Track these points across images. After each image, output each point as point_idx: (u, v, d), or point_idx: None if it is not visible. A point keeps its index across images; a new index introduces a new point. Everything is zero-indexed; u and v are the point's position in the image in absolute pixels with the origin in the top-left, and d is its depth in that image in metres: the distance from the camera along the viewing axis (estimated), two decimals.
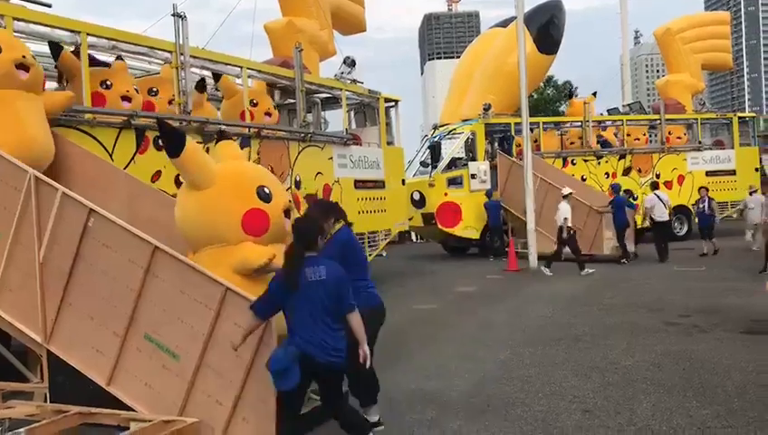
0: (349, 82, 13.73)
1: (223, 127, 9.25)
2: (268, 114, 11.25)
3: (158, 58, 9.82)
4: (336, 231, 5.27)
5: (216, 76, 10.85)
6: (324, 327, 4.28)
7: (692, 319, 9.27)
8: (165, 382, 5.30)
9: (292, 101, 12.64)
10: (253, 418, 4.67)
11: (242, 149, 10.04)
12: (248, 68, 11.05)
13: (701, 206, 17.39)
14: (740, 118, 24.34)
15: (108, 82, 8.54)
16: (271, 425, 4.78)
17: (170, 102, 9.43)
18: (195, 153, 5.23)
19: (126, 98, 8.60)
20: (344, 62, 13.81)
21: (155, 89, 9.56)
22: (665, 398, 5.80)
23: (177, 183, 9.05)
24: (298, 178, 11.65)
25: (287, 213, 5.37)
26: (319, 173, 12.34)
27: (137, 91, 8.90)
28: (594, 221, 16.92)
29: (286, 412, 4.43)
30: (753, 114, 29.24)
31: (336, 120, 14.27)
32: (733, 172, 23.01)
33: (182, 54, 9.31)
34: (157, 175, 8.74)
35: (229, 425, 4.98)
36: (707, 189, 17.86)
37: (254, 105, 10.96)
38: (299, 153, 11.82)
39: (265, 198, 5.28)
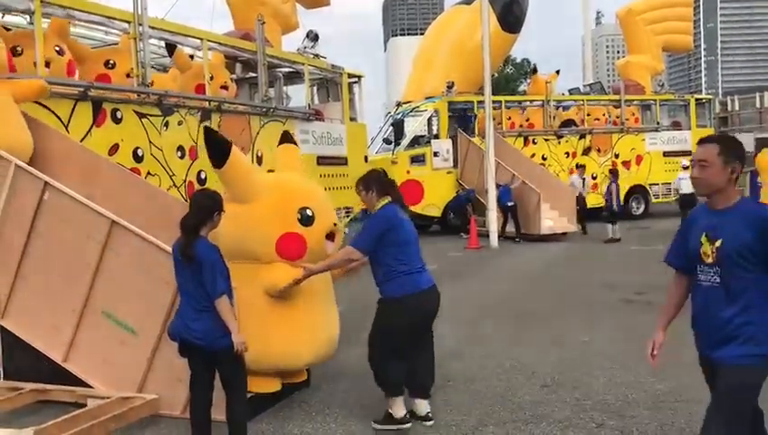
0: (311, 56, 13.59)
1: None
2: (224, 87, 11.08)
3: (115, 28, 9.56)
4: (381, 207, 4.85)
5: (170, 48, 10.62)
6: (188, 308, 4.14)
7: (647, 296, 9.47)
8: (123, 359, 5.24)
9: (253, 75, 12.46)
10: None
11: (201, 123, 10.04)
12: (209, 40, 10.84)
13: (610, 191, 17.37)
14: (697, 100, 24.82)
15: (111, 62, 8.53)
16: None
17: (128, 75, 9.20)
18: (238, 165, 4.85)
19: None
20: (307, 36, 13.65)
21: (112, 61, 9.31)
22: (620, 373, 5.94)
23: (136, 157, 8.90)
24: (259, 154, 11.52)
25: (331, 236, 5.10)
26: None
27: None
28: (534, 201, 17.22)
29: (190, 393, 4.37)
30: (710, 96, 29.86)
31: (298, 95, 14.13)
32: (689, 153, 23.46)
33: (140, 25, 9.07)
34: (114, 148, 8.56)
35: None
36: (616, 174, 17.82)
37: (210, 79, 10.77)
38: (260, 128, 11.68)
39: (306, 221, 4.95)
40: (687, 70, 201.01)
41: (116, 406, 4.94)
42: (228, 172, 4.78)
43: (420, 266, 4.84)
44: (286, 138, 6.06)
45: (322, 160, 13.51)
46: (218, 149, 4.71)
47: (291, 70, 13.56)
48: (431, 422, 4.88)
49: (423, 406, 4.95)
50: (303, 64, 13.20)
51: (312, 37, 13.56)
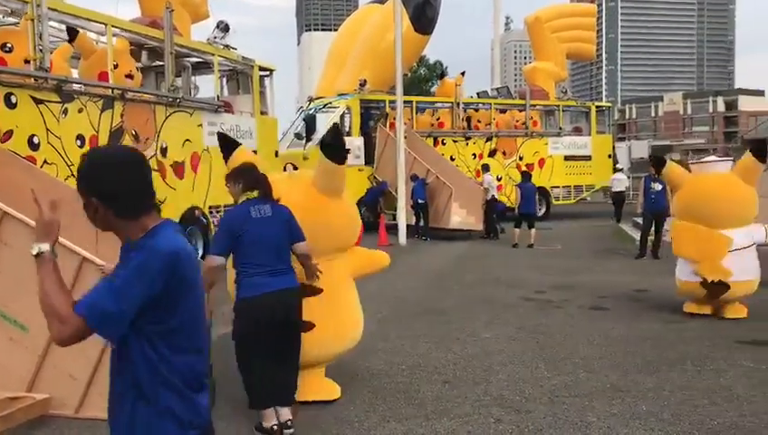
0: (222, 47, 13.30)
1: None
2: (129, 76, 10.70)
3: (8, 7, 9.04)
4: (240, 203, 4.67)
5: (72, 33, 10.15)
6: None
7: (546, 295, 9.85)
8: (12, 357, 4.99)
9: (160, 63, 12.08)
10: None
11: (103, 111, 9.66)
12: (113, 26, 10.41)
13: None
14: (597, 107, 25.96)
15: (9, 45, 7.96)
16: None
17: (27, 61, 8.71)
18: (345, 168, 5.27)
19: None
20: (217, 26, 13.35)
21: (9, 44, 8.80)
22: (519, 369, 6.14)
23: (32, 145, 8.46)
24: (164, 145, 11.19)
25: None
26: (187, 140, 11.91)
27: None
28: (445, 196, 17.57)
29: None
30: (609, 104, 31.27)
31: (207, 86, 13.80)
32: (589, 158, 24.52)
33: (38, 6, 8.62)
34: (7, 135, 8.11)
35: (84, 401, 4.78)
36: (529, 174, 17.78)
37: (115, 66, 10.37)
38: (166, 118, 11.33)
39: None
40: (589, 78, 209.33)
41: (3, 406, 4.70)
42: (341, 169, 5.17)
43: (273, 268, 4.52)
44: (226, 140, 5.65)
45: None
46: (343, 149, 5.13)
47: (200, 60, 13.23)
48: (291, 431, 4.61)
49: (283, 413, 4.67)
50: (213, 55, 12.90)
51: (223, 28, 13.28)
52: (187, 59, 12.97)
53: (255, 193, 4.63)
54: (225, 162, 5.22)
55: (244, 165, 4.88)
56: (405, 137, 17.52)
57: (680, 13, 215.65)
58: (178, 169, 11.59)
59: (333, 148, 5.10)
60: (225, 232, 4.55)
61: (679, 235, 8.30)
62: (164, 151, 11.14)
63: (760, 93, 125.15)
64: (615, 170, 23.38)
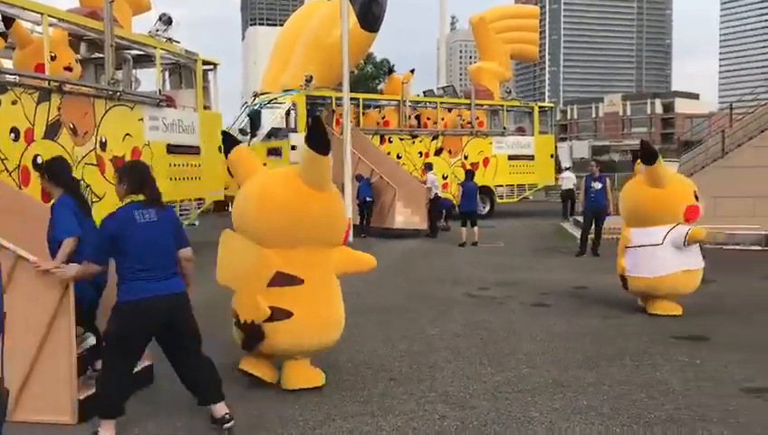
0: (164, 40, 13.02)
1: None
2: (68, 69, 10.37)
3: None
4: (120, 207, 4.52)
5: (7, 21, 9.78)
6: None
7: (490, 292, 9.98)
8: None
9: (100, 55, 11.75)
10: (46, 386, 4.44)
11: (39, 104, 9.33)
12: (50, 15, 10.07)
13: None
14: (540, 108, 26.42)
15: None
16: (66, 395, 4.60)
17: None
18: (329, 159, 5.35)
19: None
20: (160, 18, 13.05)
21: None
22: (463, 365, 6.20)
23: None
24: (104, 139, 10.88)
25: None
26: (127, 135, 11.61)
27: None
28: (389, 196, 17.64)
29: None
30: (552, 105, 31.89)
31: (149, 80, 13.51)
32: (532, 157, 24.93)
33: None
34: None
35: (20, 395, 4.65)
36: (472, 173, 17.78)
37: (53, 58, 10.03)
38: (105, 112, 11.02)
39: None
40: (533, 79, 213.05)
41: None
42: (325, 160, 5.24)
43: (155, 274, 4.39)
44: (227, 137, 6.29)
45: (173, 149, 12.98)
46: (326, 139, 5.17)
47: (141, 53, 12.93)
48: (230, 424, 4.60)
49: (218, 409, 4.64)
50: (155, 48, 12.62)
51: (166, 21, 12.99)
52: (128, 51, 12.67)
53: (141, 197, 4.48)
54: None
55: (133, 163, 4.87)
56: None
57: (620, 16, 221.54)
58: (118, 163, 11.29)
59: (316, 138, 5.15)
60: (106, 237, 4.37)
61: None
62: (103, 146, 10.84)
63: (695, 96, 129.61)
64: (564, 169, 24.02)
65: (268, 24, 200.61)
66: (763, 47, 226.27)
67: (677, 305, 8.28)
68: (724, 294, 9.18)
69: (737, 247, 14.55)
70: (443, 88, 26.39)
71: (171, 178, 12.92)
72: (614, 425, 4.75)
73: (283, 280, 5.19)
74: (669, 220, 8.12)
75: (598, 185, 13.97)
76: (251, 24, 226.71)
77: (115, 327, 4.42)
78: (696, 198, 8.27)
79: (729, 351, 6.65)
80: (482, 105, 24.27)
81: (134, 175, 4.58)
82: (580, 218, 15.28)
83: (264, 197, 5.37)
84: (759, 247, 14.91)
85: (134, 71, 13.38)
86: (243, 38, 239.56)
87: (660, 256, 8.09)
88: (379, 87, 41.08)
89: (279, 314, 5.18)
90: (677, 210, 8.14)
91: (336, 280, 5.63)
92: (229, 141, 5.96)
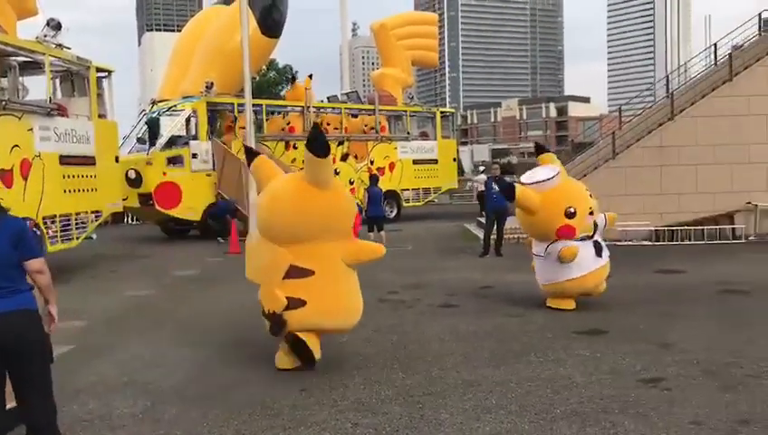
0: (53, 46, 12.41)
1: None
2: None
3: None
4: None
5: None
6: None
7: (399, 295, 10.06)
8: None
9: None
10: None
11: None
12: None
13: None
14: (442, 113, 26.92)
15: None
16: None
17: None
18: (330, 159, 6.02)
19: None
20: (48, 23, 12.44)
21: None
22: (375, 371, 6.20)
23: None
24: None
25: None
26: (16, 146, 11.00)
27: None
28: None
29: None
30: (453, 110, 32.59)
31: (39, 88, 12.82)
32: (435, 161, 25.36)
33: None
34: None
35: None
36: (377, 179, 17.46)
37: None
38: None
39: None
40: (434, 84, 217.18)
41: None
42: (325, 162, 5.83)
43: None
44: (249, 150, 7.01)
45: (66, 160, 12.41)
46: (325, 142, 5.82)
47: (29, 59, 12.27)
48: None
49: None
50: (44, 54, 12.02)
51: (54, 26, 12.38)
52: (14, 58, 12.00)
53: None
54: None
55: None
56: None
57: (514, 23, 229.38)
58: (6, 177, 10.68)
59: (316, 142, 5.76)
60: None
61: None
62: None
63: (586, 100, 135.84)
64: (479, 172, 24.91)
65: (165, 30, 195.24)
66: (646, 52, 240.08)
67: (571, 301, 8.70)
68: (620, 288, 9.63)
69: (630, 243, 15.32)
70: (347, 94, 26.44)
71: (65, 191, 12.35)
72: (522, 422, 4.88)
73: (296, 272, 5.89)
74: (548, 239, 8.62)
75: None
76: (147, 30, 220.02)
77: None
78: (571, 215, 8.40)
79: (625, 343, 6.98)
80: (386, 111, 24.47)
81: None
82: (483, 220, 15.65)
83: (274, 198, 6.06)
84: (649, 242, 15.75)
85: (21, 78, 12.69)
86: (139, 44, 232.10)
87: (550, 263, 8.63)
88: (282, 93, 40.71)
89: (294, 303, 5.89)
90: (550, 233, 8.56)
91: (347, 269, 6.13)
92: (251, 153, 6.67)
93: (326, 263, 5.98)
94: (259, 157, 6.46)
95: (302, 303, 5.88)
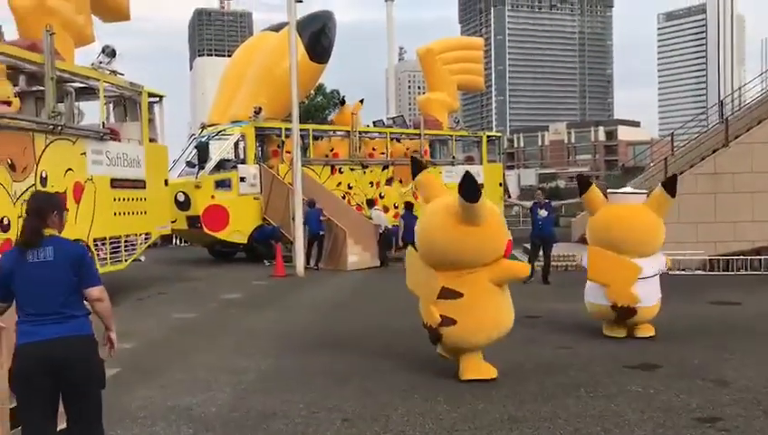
0: (107, 72, 12.75)
1: None
2: (6, 103, 10.04)
3: None
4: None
5: None
6: None
7: None
8: None
9: (40, 88, 11.42)
10: None
11: None
12: None
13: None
14: (488, 137, 26.77)
15: None
16: None
17: None
18: (485, 201, 6.49)
19: None
20: (103, 51, 12.80)
21: None
22: (418, 403, 6.07)
23: None
24: (44, 175, 10.54)
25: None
26: (69, 170, 11.28)
27: None
28: (340, 238, 17.55)
29: None
30: (499, 134, 32.35)
31: (93, 112, 13.19)
32: (481, 186, 25.05)
33: None
34: None
35: None
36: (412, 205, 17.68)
37: None
38: (46, 147, 10.70)
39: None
40: (480, 108, 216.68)
41: None
42: (476, 206, 6.31)
43: (42, 316, 3.93)
44: (419, 164, 7.24)
45: (117, 183, 12.68)
46: (477, 189, 6.27)
47: (84, 85, 12.63)
48: None
49: None
50: (98, 80, 12.36)
51: (109, 53, 12.74)
52: (71, 84, 12.35)
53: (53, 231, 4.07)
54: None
55: (33, 195, 4.39)
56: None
57: (563, 47, 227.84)
58: (60, 199, 10.93)
59: (467, 190, 6.21)
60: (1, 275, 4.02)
61: (594, 261, 8.63)
62: (43, 181, 10.49)
63: (636, 124, 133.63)
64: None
65: (216, 55, 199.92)
66: (698, 75, 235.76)
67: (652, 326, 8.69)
68: (672, 319, 9.30)
69: (683, 272, 14.86)
70: (393, 118, 26.53)
71: (116, 213, 12.60)
72: None
73: (447, 294, 6.52)
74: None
75: (544, 213, 14.12)
76: (199, 55, 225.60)
77: (14, 371, 3.98)
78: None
79: (679, 378, 6.71)
80: (431, 135, 24.43)
81: (30, 207, 4.15)
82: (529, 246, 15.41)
83: (432, 230, 6.63)
84: (702, 272, 15.27)
85: (77, 103, 13.06)
86: (191, 69, 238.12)
87: (658, 283, 8.75)
88: (329, 117, 41.08)
89: (446, 322, 6.54)
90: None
91: (495, 289, 6.62)
92: (416, 165, 7.12)
93: (474, 287, 6.52)
94: (425, 171, 7.07)
95: (453, 322, 6.51)
